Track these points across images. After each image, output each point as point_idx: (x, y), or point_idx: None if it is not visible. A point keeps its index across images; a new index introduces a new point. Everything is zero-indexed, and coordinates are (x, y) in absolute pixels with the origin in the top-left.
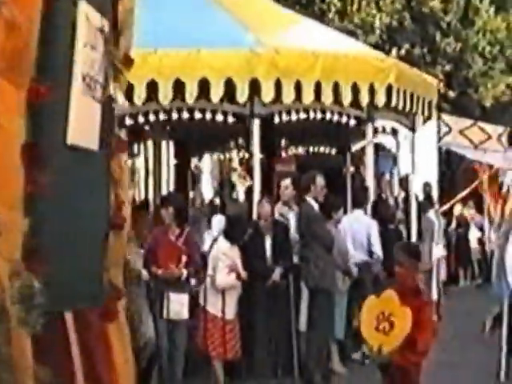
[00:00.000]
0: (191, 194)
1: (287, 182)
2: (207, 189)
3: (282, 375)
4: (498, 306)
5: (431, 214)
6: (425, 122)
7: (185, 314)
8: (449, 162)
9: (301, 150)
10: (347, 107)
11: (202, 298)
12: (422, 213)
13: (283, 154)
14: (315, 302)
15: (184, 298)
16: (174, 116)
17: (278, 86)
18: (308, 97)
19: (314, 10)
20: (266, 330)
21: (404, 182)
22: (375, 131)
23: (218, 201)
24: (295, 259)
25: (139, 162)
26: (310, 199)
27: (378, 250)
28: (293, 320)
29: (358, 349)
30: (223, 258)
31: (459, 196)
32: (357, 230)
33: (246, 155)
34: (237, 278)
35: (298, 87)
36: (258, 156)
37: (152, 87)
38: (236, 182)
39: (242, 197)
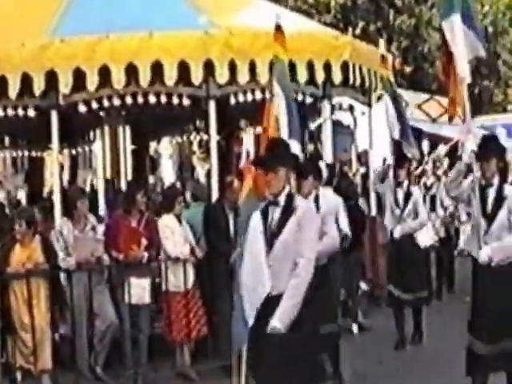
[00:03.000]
0: (151, 179)
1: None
2: (168, 173)
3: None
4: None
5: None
6: (379, 98)
7: (147, 298)
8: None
9: (259, 130)
10: (303, 85)
11: (164, 279)
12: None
13: (241, 135)
14: None
15: (146, 282)
16: (129, 101)
17: (233, 66)
18: (264, 77)
19: None
20: (230, 309)
21: (363, 158)
22: (332, 108)
23: (179, 184)
24: None
25: (96, 149)
26: None
27: (345, 226)
28: None
29: None
30: (166, 229)
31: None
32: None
33: (205, 137)
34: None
35: (253, 67)
36: (215, 138)
37: (105, 72)
38: (196, 164)
39: (202, 179)
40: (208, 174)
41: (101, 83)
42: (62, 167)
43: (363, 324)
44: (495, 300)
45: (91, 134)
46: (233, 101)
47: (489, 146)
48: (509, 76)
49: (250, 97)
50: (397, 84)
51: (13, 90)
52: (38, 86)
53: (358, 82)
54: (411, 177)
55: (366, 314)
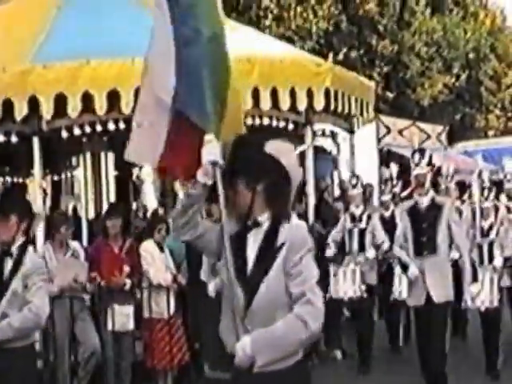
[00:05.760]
0: (134, 206)
1: None
2: (150, 199)
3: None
4: None
5: None
6: (360, 124)
7: (130, 326)
8: (390, 162)
9: None
10: (285, 112)
11: (146, 306)
12: None
13: None
14: None
15: (129, 309)
16: (111, 127)
17: None
18: (246, 103)
19: (251, 17)
20: (212, 332)
21: (344, 184)
22: (314, 135)
23: (161, 211)
24: None
25: (78, 174)
26: None
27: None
28: None
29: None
30: (147, 255)
31: None
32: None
33: None
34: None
35: None
36: None
37: (87, 98)
38: (178, 190)
39: None
40: None
41: (83, 109)
42: (44, 193)
43: (347, 350)
44: None
45: (73, 159)
46: None
47: (235, 161)
48: (490, 101)
49: None
50: (379, 110)
51: None
52: (20, 111)
53: (340, 108)
54: None
55: (349, 340)
